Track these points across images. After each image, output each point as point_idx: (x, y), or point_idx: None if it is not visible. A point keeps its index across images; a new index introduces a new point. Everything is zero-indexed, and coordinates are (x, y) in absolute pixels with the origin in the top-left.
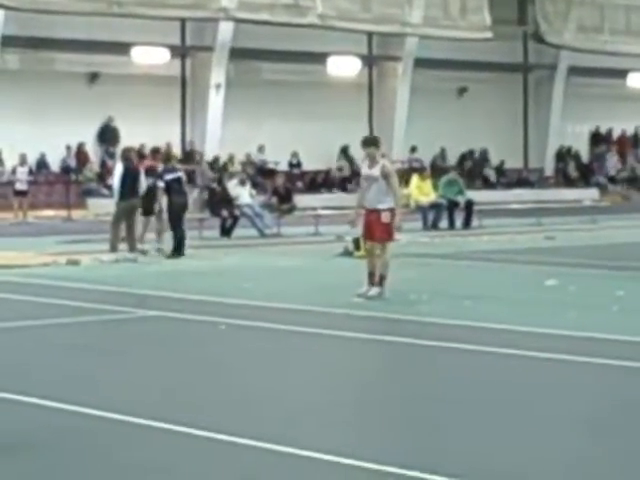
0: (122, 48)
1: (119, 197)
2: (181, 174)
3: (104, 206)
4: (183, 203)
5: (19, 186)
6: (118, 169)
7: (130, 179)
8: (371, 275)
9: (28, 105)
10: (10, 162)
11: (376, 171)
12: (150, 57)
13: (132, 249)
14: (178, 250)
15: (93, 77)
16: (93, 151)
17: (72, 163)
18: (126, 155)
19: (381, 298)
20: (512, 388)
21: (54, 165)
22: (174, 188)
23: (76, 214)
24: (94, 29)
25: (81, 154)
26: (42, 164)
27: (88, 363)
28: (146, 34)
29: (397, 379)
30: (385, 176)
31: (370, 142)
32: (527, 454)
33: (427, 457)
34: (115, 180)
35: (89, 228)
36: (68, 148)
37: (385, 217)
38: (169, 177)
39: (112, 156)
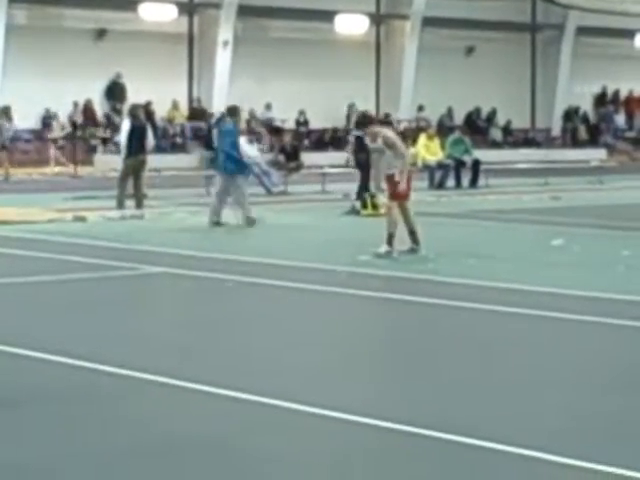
0: (130, 4)
1: (126, 154)
2: None
3: (112, 163)
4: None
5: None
6: (125, 126)
7: (137, 136)
8: (412, 233)
9: (35, 61)
10: (24, 119)
11: (379, 143)
12: (158, 14)
13: (139, 205)
14: None
15: (100, 33)
16: (100, 108)
17: (79, 119)
18: (134, 112)
19: (389, 257)
20: (520, 347)
21: (61, 121)
22: None
23: (82, 171)
24: None
25: (88, 111)
26: (49, 120)
27: (93, 319)
28: None
29: (402, 337)
30: (390, 146)
31: (359, 124)
32: (532, 412)
33: (435, 415)
34: (122, 137)
35: (96, 185)
36: (75, 105)
37: (397, 176)
38: None
39: (119, 113)
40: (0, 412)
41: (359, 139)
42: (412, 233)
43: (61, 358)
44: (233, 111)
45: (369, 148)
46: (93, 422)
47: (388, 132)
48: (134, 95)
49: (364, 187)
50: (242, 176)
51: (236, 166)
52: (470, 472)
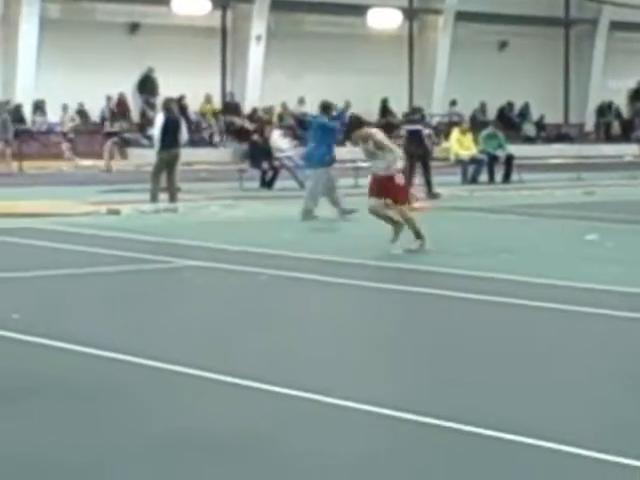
0: None
1: (160, 147)
2: None
3: (145, 156)
4: None
5: None
6: (159, 119)
7: (171, 129)
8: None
9: (69, 55)
10: (52, 112)
11: (371, 146)
12: (191, 8)
13: (172, 199)
14: None
15: (133, 27)
16: (133, 101)
17: (113, 113)
18: (167, 105)
19: (422, 250)
20: (552, 342)
21: (94, 115)
22: None
23: (116, 164)
24: None
25: (121, 104)
26: (82, 113)
27: (127, 311)
28: None
29: (431, 331)
30: (379, 147)
31: (354, 127)
32: (562, 408)
33: (459, 408)
34: (156, 130)
35: (129, 178)
36: (108, 98)
37: (399, 179)
38: None
39: (152, 107)
40: (32, 402)
41: (413, 133)
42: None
43: (93, 350)
44: (327, 106)
45: (364, 151)
46: (123, 414)
47: (378, 134)
48: (167, 89)
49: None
50: (322, 169)
51: (322, 158)
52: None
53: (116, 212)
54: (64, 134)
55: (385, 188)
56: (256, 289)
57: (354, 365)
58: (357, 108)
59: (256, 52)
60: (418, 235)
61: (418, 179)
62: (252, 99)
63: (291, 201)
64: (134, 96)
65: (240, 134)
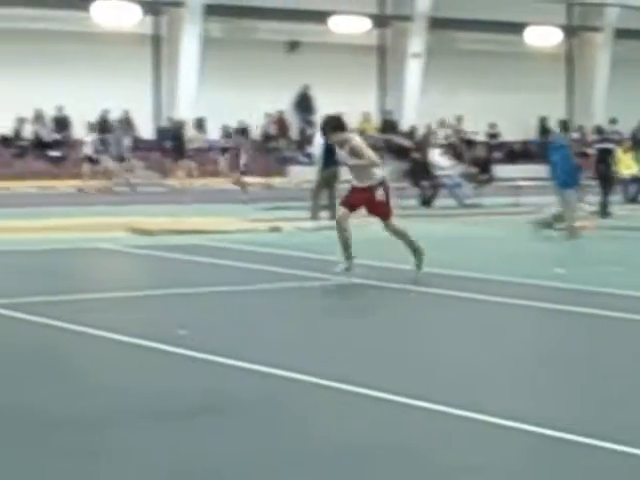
0: (321, 16)
1: (321, 165)
2: None
3: (305, 174)
4: None
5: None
6: (319, 137)
7: (331, 147)
8: (347, 247)
9: (229, 73)
10: (214, 130)
11: (346, 152)
12: (349, 26)
13: (333, 217)
14: None
15: (293, 46)
16: (291, 119)
17: (271, 130)
18: None
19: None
20: None
21: (254, 132)
22: None
23: (275, 181)
24: None
25: (280, 122)
26: (242, 131)
27: (289, 328)
28: (345, 3)
29: (586, 351)
30: (356, 154)
31: (323, 128)
32: None
33: (613, 429)
34: (316, 149)
35: (288, 196)
36: (267, 116)
37: (380, 196)
38: None
39: (310, 124)
40: (206, 418)
41: (604, 151)
42: (346, 248)
43: (257, 366)
44: (565, 125)
45: (341, 158)
46: (290, 429)
47: (355, 139)
48: (324, 107)
49: (605, 199)
50: (571, 190)
51: (568, 179)
52: None
53: (277, 229)
54: (224, 150)
55: (361, 199)
56: (406, 305)
57: (509, 382)
58: (513, 126)
59: (413, 70)
60: (417, 254)
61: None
62: (409, 117)
63: (450, 219)
64: (292, 114)
65: (399, 152)
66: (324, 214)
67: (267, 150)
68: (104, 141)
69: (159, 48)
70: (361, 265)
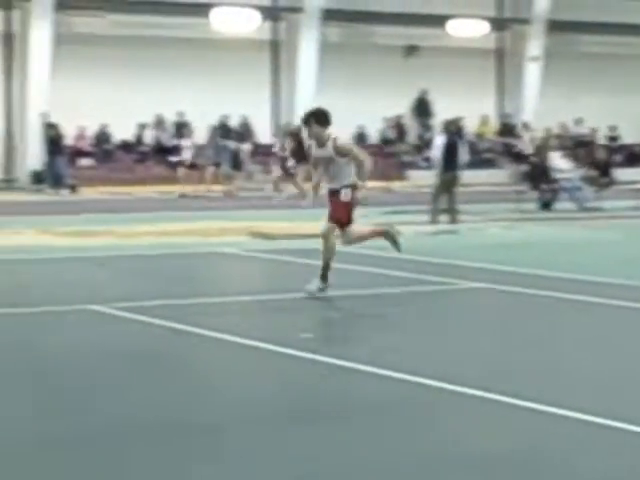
0: (438, 20)
1: (440, 169)
2: None
3: (424, 178)
4: None
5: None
6: (439, 141)
7: (450, 151)
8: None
9: (347, 78)
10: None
11: (328, 150)
12: (467, 30)
13: (453, 220)
14: None
15: (410, 50)
16: (409, 123)
17: (390, 135)
18: (448, 127)
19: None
20: None
21: (372, 137)
22: None
23: (394, 185)
24: (412, 2)
25: (398, 126)
26: (361, 136)
27: (415, 333)
28: (463, 6)
29: None
30: (341, 153)
31: (307, 117)
32: None
33: None
34: (436, 152)
35: (407, 199)
36: (386, 120)
37: (345, 196)
38: None
39: (428, 129)
40: (331, 425)
41: None
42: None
43: (381, 370)
44: None
45: (312, 154)
46: (421, 433)
47: (340, 137)
48: (443, 111)
49: None
50: None
51: None
52: None
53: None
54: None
55: (331, 205)
56: (538, 311)
57: (631, 388)
58: (634, 129)
59: (532, 73)
60: (325, 272)
61: None
62: (528, 120)
63: (570, 223)
64: (410, 118)
65: (518, 155)
66: (443, 218)
67: (385, 154)
68: (206, 147)
69: (277, 53)
70: (483, 269)
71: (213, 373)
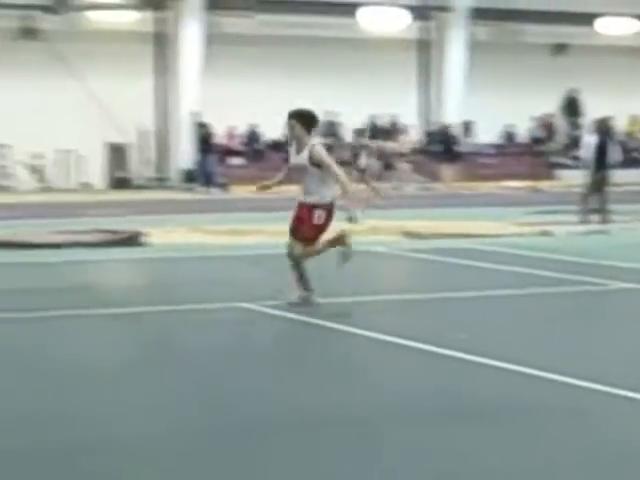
0: (587, 18)
1: (593, 169)
2: None
3: (574, 177)
4: None
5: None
6: (589, 140)
7: (601, 150)
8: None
9: (495, 76)
10: (486, 134)
11: (304, 157)
12: (616, 27)
13: (604, 220)
14: None
15: (559, 48)
16: (558, 122)
17: (538, 134)
18: (600, 127)
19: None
20: None
21: (521, 136)
22: None
23: (543, 185)
24: (560, 0)
25: (547, 125)
26: (509, 135)
27: (564, 334)
28: (612, 4)
29: None
30: (316, 163)
31: (293, 115)
32: None
33: None
34: (587, 152)
35: (557, 199)
36: (534, 119)
37: (318, 219)
38: None
39: (577, 127)
40: (482, 426)
41: None
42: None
43: (533, 371)
44: None
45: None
46: (562, 437)
47: (318, 145)
48: (593, 110)
49: None
50: None
51: None
52: None
53: (548, 233)
54: (401, 155)
55: (298, 219)
56: None
57: None
58: None
59: None
60: (304, 283)
61: None
62: None
63: None
64: (560, 117)
65: None
66: (594, 218)
67: (534, 153)
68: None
69: (425, 53)
70: (634, 270)
71: (362, 369)
